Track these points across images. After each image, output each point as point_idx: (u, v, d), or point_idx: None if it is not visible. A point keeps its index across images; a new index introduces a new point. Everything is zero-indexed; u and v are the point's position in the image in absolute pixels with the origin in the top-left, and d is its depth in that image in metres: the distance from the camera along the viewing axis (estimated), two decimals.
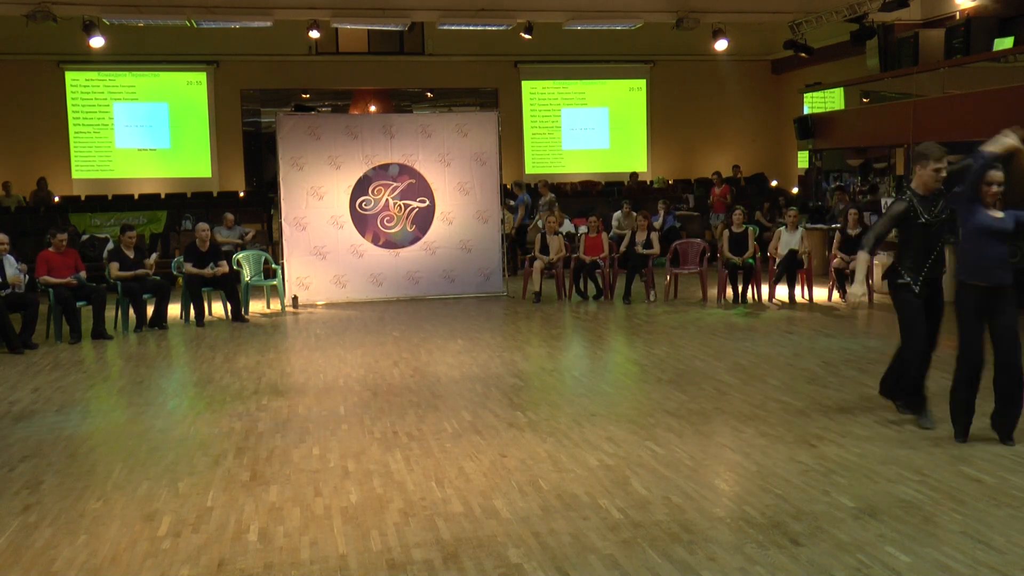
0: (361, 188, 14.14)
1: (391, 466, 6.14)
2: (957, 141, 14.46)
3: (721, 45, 17.23)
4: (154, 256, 12.90)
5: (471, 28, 16.96)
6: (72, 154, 20.61)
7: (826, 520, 5.04)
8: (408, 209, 14.35)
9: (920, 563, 4.49)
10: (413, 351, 10.30)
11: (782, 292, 13.55)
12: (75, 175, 20.59)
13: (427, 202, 14.41)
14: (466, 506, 5.36)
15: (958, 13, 15.37)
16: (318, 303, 13.98)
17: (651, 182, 22.34)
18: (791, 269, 13.36)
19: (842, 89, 20.06)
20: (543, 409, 7.62)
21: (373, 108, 21.99)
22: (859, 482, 5.66)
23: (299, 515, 5.29)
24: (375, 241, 14.25)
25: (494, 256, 14.72)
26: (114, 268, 12.04)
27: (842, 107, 20.14)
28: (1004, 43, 14.68)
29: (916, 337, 6.77)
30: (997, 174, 6.30)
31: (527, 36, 16.52)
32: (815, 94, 20.65)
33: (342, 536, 4.98)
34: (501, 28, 16.76)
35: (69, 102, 20.56)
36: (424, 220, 14.43)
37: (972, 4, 14.92)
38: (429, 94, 23.31)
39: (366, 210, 14.18)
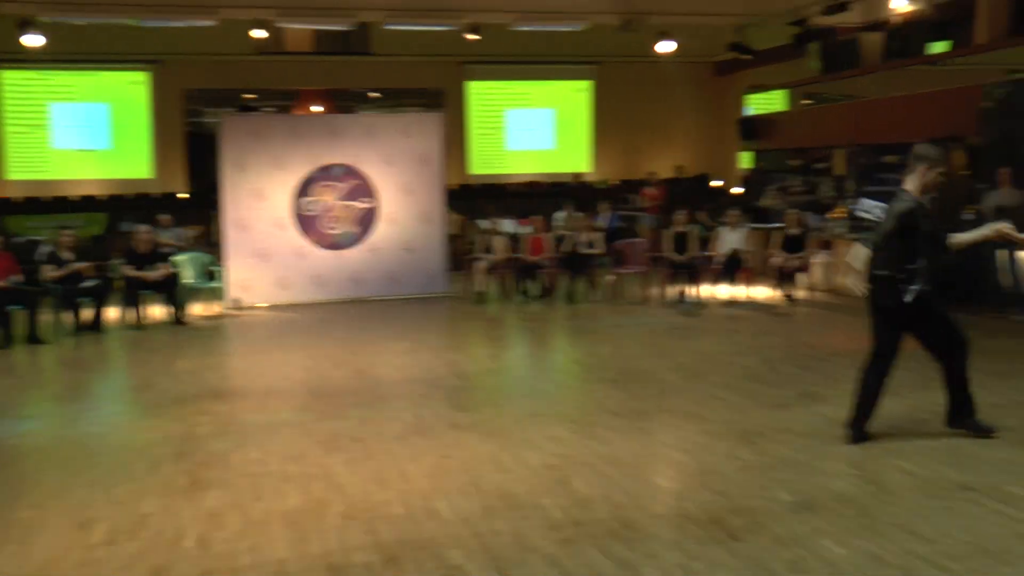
0: (305, 189, 14.03)
1: (332, 469, 6.09)
2: (896, 143, 14.76)
3: (666, 47, 17.36)
4: (87, 264, 12.56)
5: (417, 28, 16.91)
6: (6, 155, 20.17)
7: (764, 515, 5.10)
8: (352, 210, 14.26)
9: (855, 555, 4.56)
10: (356, 353, 10.24)
11: (724, 291, 13.69)
12: (9, 176, 20.15)
13: (371, 203, 14.33)
14: (407, 508, 5.34)
15: (896, 17, 15.64)
16: (260, 305, 13.83)
17: (595, 182, 22.43)
18: (732, 268, 13.50)
19: (785, 91, 20.33)
20: (486, 409, 7.62)
21: (318, 108, 21.83)
22: (797, 477, 5.74)
23: (238, 520, 5.23)
24: (319, 243, 14.13)
25: (438, 257, 14.67)
26: (48, 270, 11.80)
27: (785, 108, 20.41)
28: (940, 47, 14.99)
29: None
30: None
31: (473, 37, 16.51)
32: (758, 95, 20.89)
33: (282, 540, 4.93)
34: (447, 28, 16.73)
35: (4, 102, 20.12)
36: (368, 221, 14.34)
37: (909, 9, 15.20)
38: (375, 94, 23.19)
39: (310, 211, 14.06)
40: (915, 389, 7.92)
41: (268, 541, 4.92)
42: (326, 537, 4.95)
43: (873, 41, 15.80)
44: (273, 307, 13.75)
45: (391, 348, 10.45)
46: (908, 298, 6.12)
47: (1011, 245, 10.76)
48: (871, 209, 13.31)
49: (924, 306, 6.22)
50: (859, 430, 6.46)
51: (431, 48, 20.36)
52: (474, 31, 16.33)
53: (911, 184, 6.23)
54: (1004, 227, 6.24)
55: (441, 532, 4.97)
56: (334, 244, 14.21)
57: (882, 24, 16.05)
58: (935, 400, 7.37)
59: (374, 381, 8.81)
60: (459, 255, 17.18)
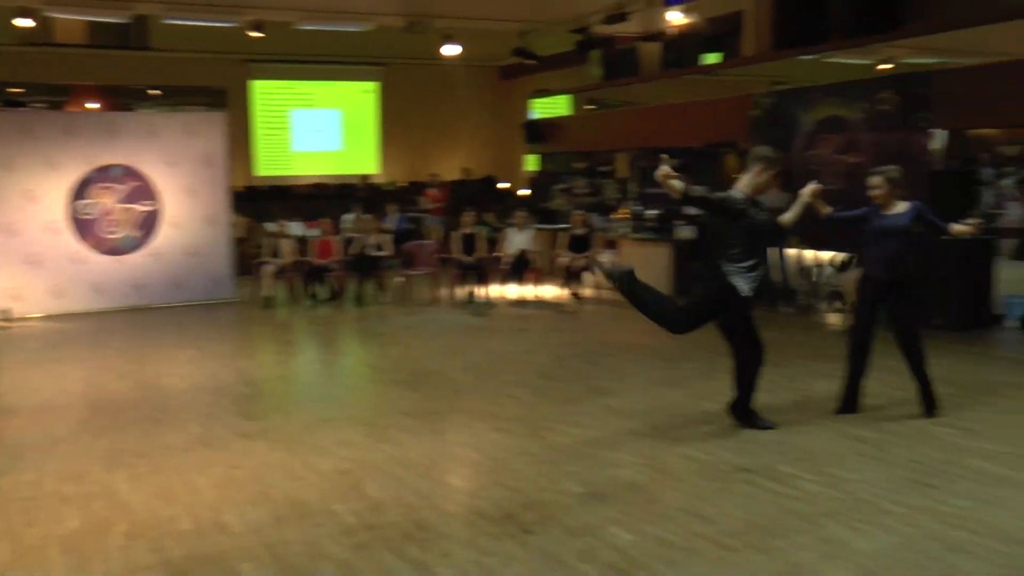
0: (81, 191, 13.29)
1: (115, 486, 5.82)
2: (676, 147, 15.48)
3: (451, 50, 17.53)
4: None
5: (199, 24, 16.32)
6: None
7: (556, 507, 5.26)
8: (132, 213, 13.64)
9: (643, 540, 4.78)
10: (138, 363, 9.81)
11: (512, 291, 13.97)
12: None
13: (153, 206, 13.75)
14: (196, 522, 5.18)
15: (672, 29, 16.41)
16: (33, 316, 13.00)
17: (383, 184, 22.38)
18: (520, 268, 13.80)
19: (568, 96, 20.92)
20: (275, 417, 7.48)
21: (93, 105, 20.70)
22: (586, 468, 5.95)
23: (8, 549, 4.90)
24: (97, 248, 13.42)
25: (223, 261, 14.24)
26: None
27: (569, 113, 21.01)
28: (711, 58, 15.87)
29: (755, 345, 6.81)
30: (873, 179, 6.94)
31: (257, 34, 16.12)
32: (543, 100, 21.41)
33: (59, 567, 4.66)
34: (230, 25, 16.24)
35: None
36: (149, 225, 13.75)
37: (684, 21, 15.98)
38: (155, 92, 22.21)
39: (87, 215, 13.34)
40: (697, 379, 8.39)
41: (44, 568, 4.64)
42: (109, 559, 4.73)
43: (651, 51, 16.52)
44: (47, 317, 12.94)
45: (176, 357, 10.07)
46: (746, 290, 6.50)
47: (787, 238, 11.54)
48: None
49: (745, 300, 6.59)
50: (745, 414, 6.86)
51: (214, 45, 19.72)
52: (258, 28, 15.95)
53: (744, 182, 6.65)
54: (814, 187, 6.83)
55: (231, 545, 4.85)
56: (114, 249, 13.53)
57: (659, 35, 16.80)
58: (716, 389, 7.84)
59: (158, 392, 8.47)
60: (246, 259, 16.74)
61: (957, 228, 6.94)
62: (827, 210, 7.09)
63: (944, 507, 5.15)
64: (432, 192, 19.14)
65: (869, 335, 6.99)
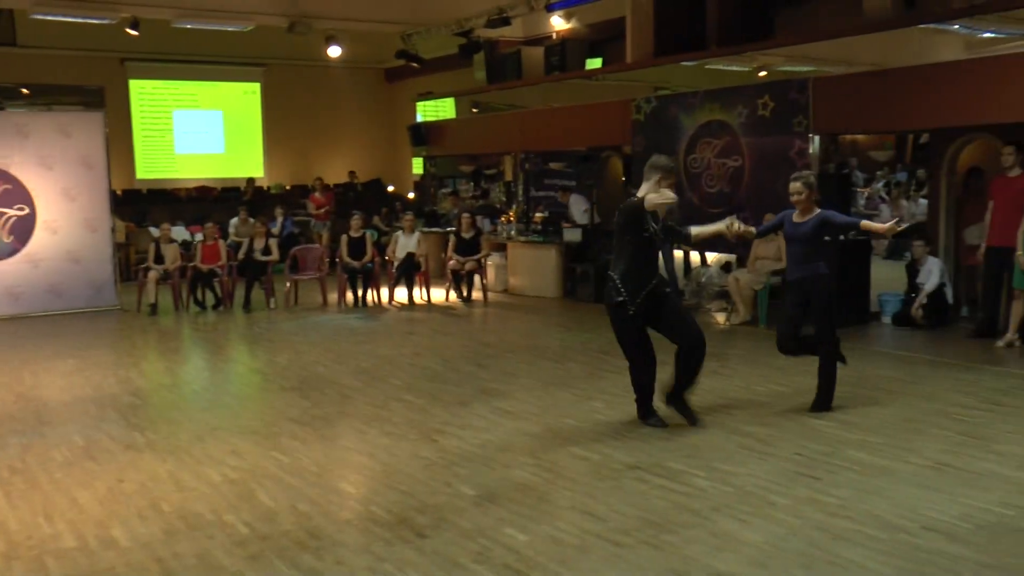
0: None
1: None
2: (559, 150, 15.69)
3: (334, 52, 17.37)
4: None
5: (70, 20, 15.75)
6: None
7: (449, 510, 5.28)
8: (4, 218, 13.11)
9: (535, 540, 4.84)
10: (15, 374, 9.42)
11: (401, 294, 13.94)
12: None
13: (26, 210, 13.23)
14: (80, 539, 5.01)
15: (555, 34, 16.60)
16: None
17: (268, 188, 22.03)
18: (409, 272, 13.77)
19: (453, 99, 20.94)
20: (163, 427, 7.31)
21: None
22: (479, 471, 5.99)
23: None
24: None
25: (105, 268, 13.81)
26: None
27: (454, 116, 21.03)
28: (594, 63, 16.11)
29: (639, 354, 6.85)
30: (794, 184, 7.06)
31: (133, 32, 15.67)
32: (427, 103, 21.39)
33: None
34: (104, 21, 15.74)
35: None
36: (24, 230, 13.23)
37: (567, 27, 16.19)
38: (25, 90, 21.35)
39: None
40: (585, 378, 8.52)
41: None
42: None
43: (534, 55, 16.69)
44: None
45: (56, 367, 9.73)
46: (631, 309, 6.61)
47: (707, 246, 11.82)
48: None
49: (652, 307, 6.69)
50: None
51: (88, 42, 19.09)
52: (134, 26, 15.51)
53: (643, 191, 6.70)
54: (737, 227, 6.91)
55: (120, 561, 4.72)
56: None
57: (543, 39, 16.98)
58: (603, 388, 7.98)
59: (38, 404, 8.16)
60: (128, 265, 16.31)
61: (877, 226, 7.26)
62: (752, 232, 7.26)
63: (827, 498, 5.36)
64: (316, 197, 18.87)
65: (793, 340, 7.16)
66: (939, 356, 9.28)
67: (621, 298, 6.64)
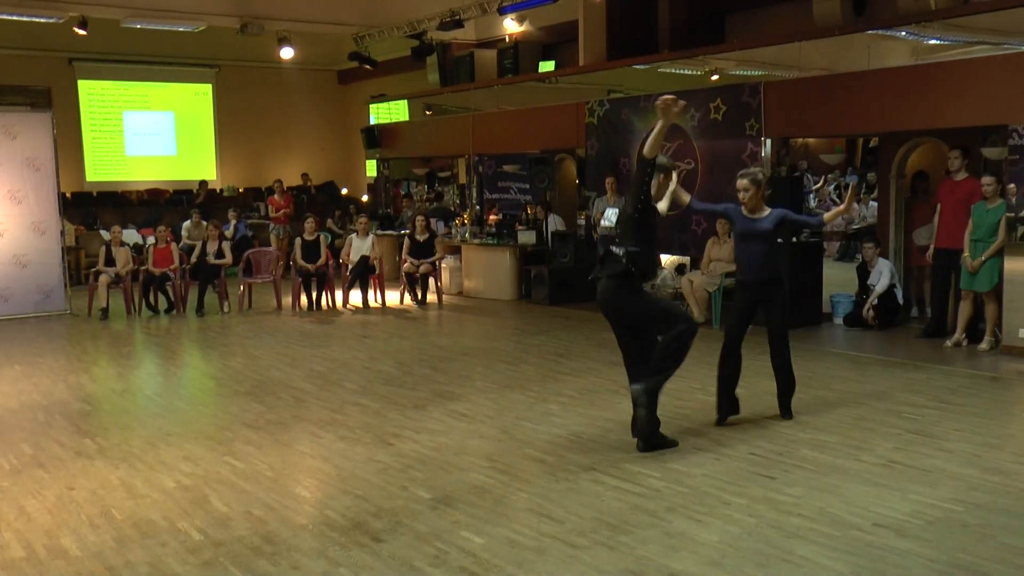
0: None
1: None
2: (513, 153, 15.71)
3: (286, 53, 17.27)
4: None
5: (14, 18, 15.47)
6: None
7: (405, 514, 5.26)
8: None
9: (492, 542, 4.83)
10: None
11: (355, 297, 13.87)
12: None
13: None
14: (28, 549, 4.92)
15: (508, 37, 16.63)
16: None
17: (221, 190, 21.82)
18: (363, 274, 13.71)
19: (406, 101, 20.90)
20: (114, 433, 7.20)
21: None
22: (435, 474, 5.97)
23: None
24: None
25: (54, 271, 13.57)
26: None
27: (407, 118, 20.99)
28: (547, 66, 16.17)
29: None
30: (741, 181, 6.94)
31: (82, 32, 15.44)
32: (380, 105, 21.32)
33: None
34: (51, 20, 15.49)
35: None
36: None
37: (520, 30, 16.22)
38: None
39: None
40: (539, 381, 8.54)
41: None
42: None
43: (488, 58, 16.72)
44: None
45: (2, 374, 9.54)
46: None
47: None
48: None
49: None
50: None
51: (35, 42, 18.78)
52: (82, 26, 15.29)
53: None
54: (676, 173, 6.77)
55: (70, 571, 4.63)
56: None
57: (495, 42, 17.00)
58: (557, 390, 8.00)
59: None
60: (78, 268, 16.07)
61: (839, 208, 7.27)
62: (686, 198, 7.12)
63: (781, 496, 5.41)
64: (275, 199, 18.66)
65: (740, 341, 7.04)
66: (890, 356, 9.43)
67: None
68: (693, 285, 11.47)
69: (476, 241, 15.10)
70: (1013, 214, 9.18)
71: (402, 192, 19.73)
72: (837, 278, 12.25)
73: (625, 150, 12.87)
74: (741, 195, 6.98)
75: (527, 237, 14.28)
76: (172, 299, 13.57)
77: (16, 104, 19.19)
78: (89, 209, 19.20)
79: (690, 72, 14.73)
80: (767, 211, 7.00)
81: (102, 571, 4.62)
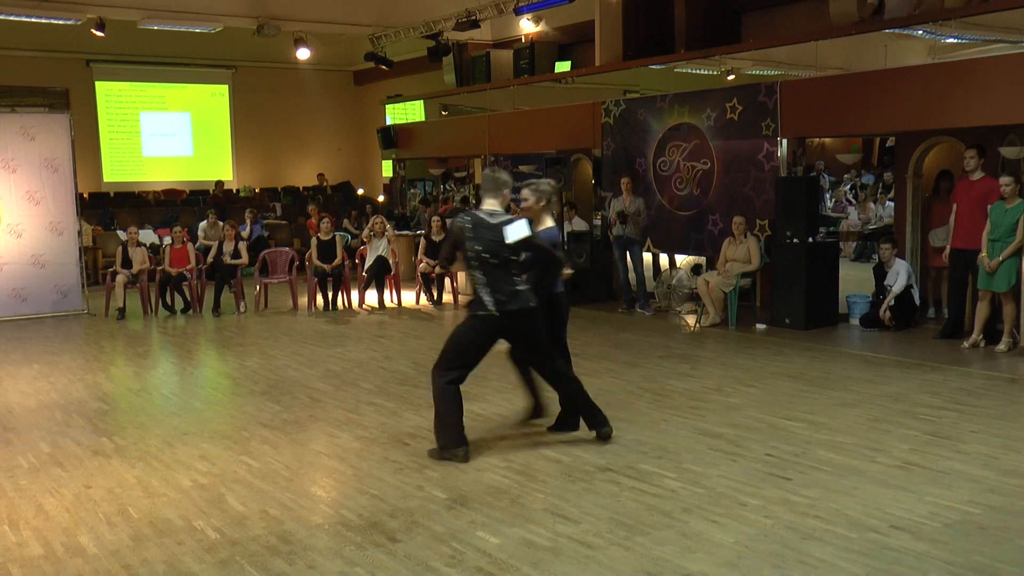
0: None
1: None
2: (529, 153, 15.69)
3: (303, 54, 17.32)
4: None
5: (33, 20, 15.58)
6: None
7: (421, 514, 5.27)
8: None
9: (508, 543, 4.83)
10: None
11: (371, 297, 13.89)
12: None
13: None
14: (47, 547, 4.95)
15: (524, 37, 16.63)
16: None
17: (237, 190, 21.91)
18: (379, 275, 13.73)
19: (422, 101, 20.93)
20: (131, 432, 7.24)
21: None
22: (451, 474, 5.97)
23: None
24: None
25: (71, 271, 13.64)
26: None
27: (423, 119, 21.01)
28: (563, 66, 16.16)
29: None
30: (524, 192, 6.72)
31: (99, 33, 15.53)
32: (396, 105, 21.35)
33: None
34: (69, 22, 15.59)
35: None
36: None
37: (536, 30, 16.22)
38: None
39: None
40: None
41: None
42: None
43: (504, 58, 16.72)
44: None
45: (21, 373, 9.61)
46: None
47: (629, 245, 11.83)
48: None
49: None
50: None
51: (53, 44, 18.92)
52: (100, 28, 15.37)
53: (493, 205, 6.41)
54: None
55: (87, 569, 4.66)
56: None
57: (512, 42, 17.01)
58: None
59: (3, 410, 8.03)
60: (96, 268, 16.16)
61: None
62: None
63: (797, 497, 5.39)
64: (312, 223, 18.62)
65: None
66: (906, 357, 9.37)
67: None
68: (709, 285, 11.44)
69: None
70: None
71: (418, 192, 19.74)
72: (853, 278, 12.19)
73: (641, 150, 12.84)
74: (523, 205, 6.70)
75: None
76: (188, 299, 13.62)
77: (34, 105, 19.34)
78: (106, 209, 19.31)
79: (706, 72, 14.68)
80: (550, 222, 6.74)
81: (119, 569, 4.65)
